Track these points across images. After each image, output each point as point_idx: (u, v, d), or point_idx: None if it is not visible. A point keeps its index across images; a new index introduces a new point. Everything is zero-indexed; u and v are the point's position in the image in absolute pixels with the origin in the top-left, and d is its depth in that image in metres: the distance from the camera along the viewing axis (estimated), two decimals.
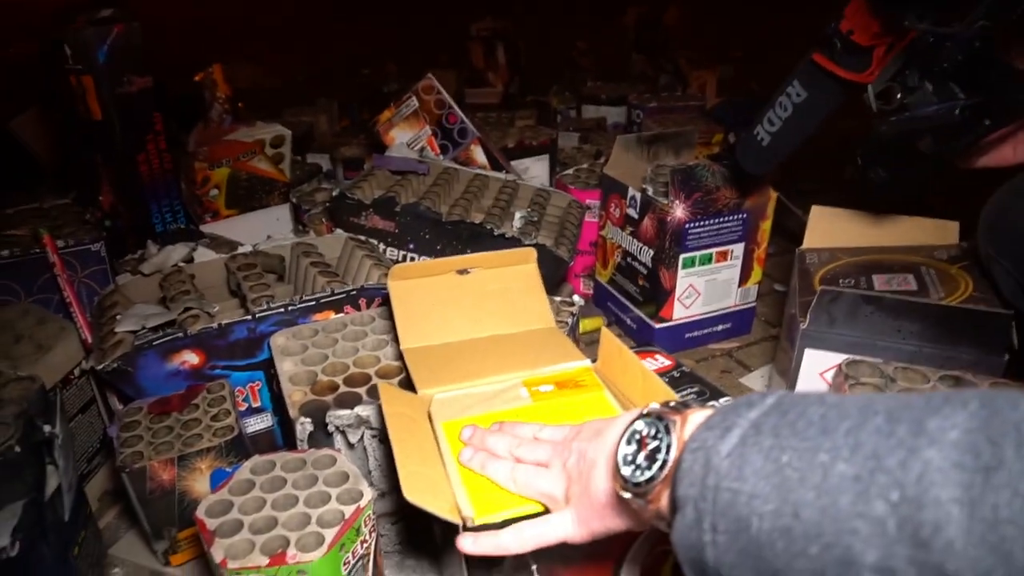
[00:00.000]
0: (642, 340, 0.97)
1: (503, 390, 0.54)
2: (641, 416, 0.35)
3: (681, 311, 0.97)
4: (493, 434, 0.45)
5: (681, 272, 0.94)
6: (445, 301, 0.63)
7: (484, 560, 0.43)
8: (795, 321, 0.73)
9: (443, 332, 0.62)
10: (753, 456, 0.28)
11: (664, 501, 0.33)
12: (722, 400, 0.64)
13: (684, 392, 0.72)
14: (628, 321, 1.04)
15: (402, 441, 0.47)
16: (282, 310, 0.74)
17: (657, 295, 0.96)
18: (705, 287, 0.96)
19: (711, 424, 0.30)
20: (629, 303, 1.03)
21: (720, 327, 1.01)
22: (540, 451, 0.42)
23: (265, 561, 0.48)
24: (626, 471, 0.34)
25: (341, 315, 0.76)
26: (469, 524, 0.42)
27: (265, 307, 0.74)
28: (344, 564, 0.50)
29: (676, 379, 0.74)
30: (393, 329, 0.72)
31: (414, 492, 0.42)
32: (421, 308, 0.62)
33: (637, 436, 0.34)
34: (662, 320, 0.97)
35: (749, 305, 1.02)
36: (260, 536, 0.50)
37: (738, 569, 0.27)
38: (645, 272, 0.97)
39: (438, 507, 0.42)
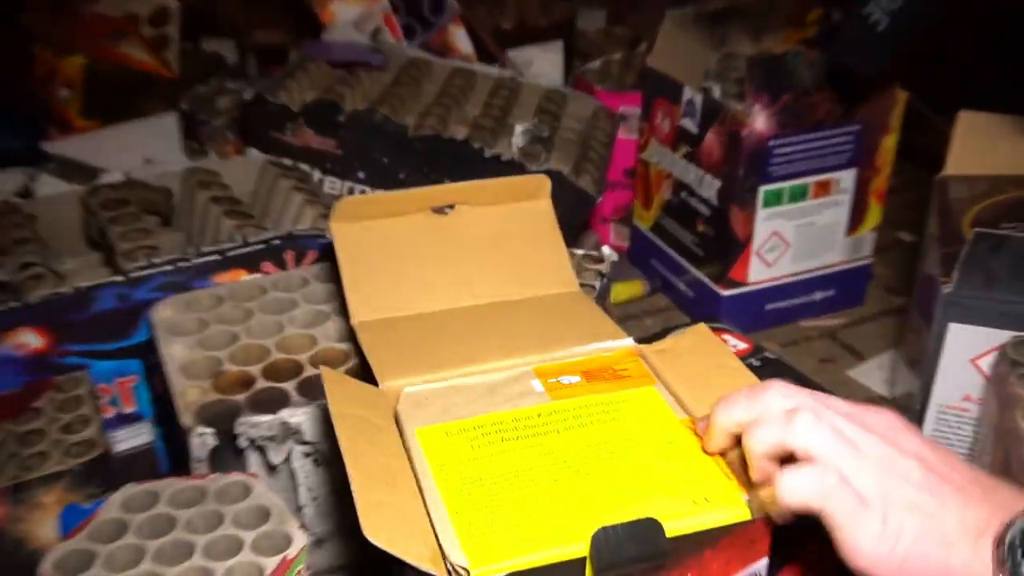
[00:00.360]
0: (703, 314, 0.96)
1: (504, 382, 0.53)
2: None
3: (761, 271, 0.96)
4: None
5: (762, 213, 0.93)
6: (416, 253, 0.62)
7: None
8: (934, 284, 0.71)
9: (413, 299, 0.61)
10: None
11: None
12: None
13: None
14: (682, 286, 1.04)
15: (359, 456, 0.46)
16: (169, 268, 0.74)
17: (726, 248, 0.95)
18: (797, 235, 0.96)
19: None
20: (683, 259, 1.02)
21: (819, 295, 1.01)
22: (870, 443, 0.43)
23: None
24: None
25: (258, 276, 0.76)
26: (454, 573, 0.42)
27: (144, 264, 0.73)
28: None
29: (756, 369, 0.73)
30: (339, 295, 0.72)
31: (379, 530, 0.41)
32: (381, 263, 0.62)
33: None
34: (733, 284, 0.97)
35: (862, 262, 1.02)
36: None
37: None
38: (708, 213, 0.96)
39: (412, 552, 0.41)
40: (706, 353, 0.55)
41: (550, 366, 0.55)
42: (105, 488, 0.61)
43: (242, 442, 0.59)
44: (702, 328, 0.57)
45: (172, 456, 0.80)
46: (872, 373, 0.93)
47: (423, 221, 0.63)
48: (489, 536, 0.43)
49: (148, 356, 0.73)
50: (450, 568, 0.42)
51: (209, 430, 0.59)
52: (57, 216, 0.86)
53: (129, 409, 0.77)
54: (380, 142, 0.93)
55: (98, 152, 1.08)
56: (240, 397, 0.61)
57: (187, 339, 0.67)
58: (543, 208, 0.64)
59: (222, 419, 0.59)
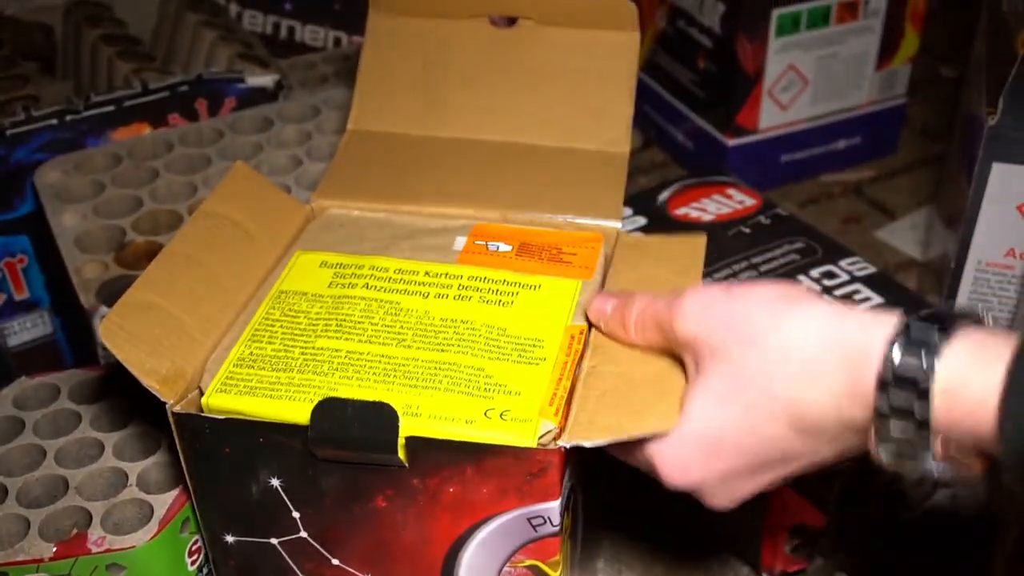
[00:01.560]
0: (706, 167, 0.96)
1: (431, 230, 0.56)
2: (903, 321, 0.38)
3: (774, 115, 0.96)
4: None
5: (775, 43, 0.92)
6: (453, 66, 0.63)
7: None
8: (977, 122, 0.71)
9: (427, 118, 0.63)
10: None
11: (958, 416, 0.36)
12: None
13: (780, 248, 0.71)
14: (680, 137, 1.04)
15: (178, 256, 0.50)
16: (54, 122, 0.74)
17: (732, 87, 0.95)
18: (817, 70, 0.96)
19: None
20: (681, 104, 1.02)
21: (843, 143, 1.01)
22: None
23: (50, 550, 0.48)
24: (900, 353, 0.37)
25: (164, 129, 0.76)
26: (179, 402, 0.45)
27: (22, 117, 0.73)
28: (191, 554, 0.52)
29: (767, 227, 0.74)
30: (262, 149, 0.72)
31: (118, 329, 0.45)
32: (409, 69, 0.63)
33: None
34: (740, 132, 0.96)
35: (894, 102, 1.02)
36: (39, 511, 0.50)
37: None
38: (710, 46, 0.95)
39: (140, 362, 0.45)
40: (672, 269, 0.54)
41: (493, 227, 0.57)
42: None
43: None
44: (698, 242, 0.56)
45: (76, 349, 0.81)
46: (904, 233, 0.94)
47: (475, 30, 0.62)
48: (253, 374, 0.46)
49: (37, 230, 0.73)
50: (189, 386, 0.46)
51: None
52: None
53: (21, 295, 0.78)
54: None
55: None
56: None
57: (80, 206, 0.67)
58: (626, 43, 0.63)
59: None
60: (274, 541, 0.48)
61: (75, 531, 0.49)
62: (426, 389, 0.45)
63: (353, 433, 0.43)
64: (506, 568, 0.47)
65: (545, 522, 0.45)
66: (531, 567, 0.47)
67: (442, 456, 0.43)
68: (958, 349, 0.36)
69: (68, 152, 0.72)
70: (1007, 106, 0.67)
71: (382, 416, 0.43)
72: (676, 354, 0.44)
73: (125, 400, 0.56)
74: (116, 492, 0.51)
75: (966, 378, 0.35)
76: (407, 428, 0.43)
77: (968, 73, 0.81)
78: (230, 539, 0.48)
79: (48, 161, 0.71)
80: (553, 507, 0.44)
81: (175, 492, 0.51)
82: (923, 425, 0.36)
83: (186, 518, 0.51)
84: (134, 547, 0.48)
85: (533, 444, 0.43)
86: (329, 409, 0.43)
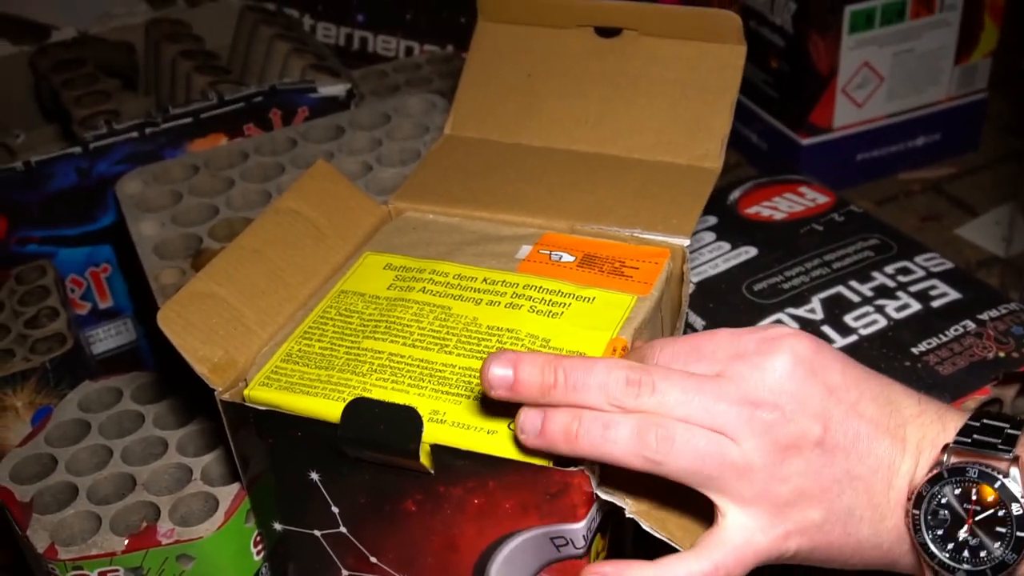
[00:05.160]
0: (779, 169, 0.95)
1: (499, 237, 0.56)
2: (942, 470, 0.40)
3: (849, 113, 0.95)
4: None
5: (848, 40, 0.91)
6: (554, 75, 0.63)
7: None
8: None
9: (522, 125, 0.63)
10: None
11: None
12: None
13: (853, 245, 0.70)
14: (754, 137, 1.03)
15: (244, 248, 0.52)
16: (134, 135, 0.74)
17: (805, 86, 0.94)
18: (893, 67, 0.94)
19: None
20: (754, 104, 1.01)
21: (920, 140, 1.00)
22: (719, 410, 0.41)
23: (122, 544, 0.49)
24: (945, 556, 0.40)
25: (239, 140, 0.77)
26: (227, 391, 0.46)
27: (104, 131, 0.74)
28: (256, 543, 0.52)
29: (840, 225, 0.73)
30: (335, 156, 0.73)
31: (177, 317, 0.47)
32: (511, 76, 0.63)
33: (943, 501, 0.40)
34: (815, 131, 0.96)
35: (974, 97, 1.00)
36: (109, 507, 0.52)
37: None
38: (782, 45, 0.95)
39: (199, 351, 0.46)
40: None
41: (560, 237, 0.56)
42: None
43: None
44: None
45: (158, 356, 0.82)
46: (987, 230, 0.92)
47: (579, 39, 0.62)
48: (296, 370, 0.47)
49: (120, 241, 0.75)
50: (234, 378, 0.47)
51: None
52: (3, 83, 0.87)
53: (105, 304, 0.79)
54: None
55: (46, 6, 1.07)
56: None
57: (159, 215, 0.68)
58: (730, 56, 0.61)
59: None
60: (317, 533, 0.49)
61: (144, 524, 0.51)
62: (457, 396, 0.45)
63: (378, 434, 0.43)
64: None
65: (568, 543, 0.44)
66: None
67: (466, 466, 0.43)
68: None
69: (147, 163, 0.73)
70: None
71: (407, 420, 0.43)
72: None
73: (186, 398, 0.57)
74: (181, 486, 0.52)
75: None
76: (431, 434, 0.43)
77: None
78: (278, 527, 0.49)
79: (128, 173, 0.72)
80: (574, 529, 0.43)
81: (239, 484, 0.52)
82: None
83: (250, 509, 0.52)
84: (201, 538, 0.50)
85: (548, 463, 0.42)
86: (358, 409, 0.43)
